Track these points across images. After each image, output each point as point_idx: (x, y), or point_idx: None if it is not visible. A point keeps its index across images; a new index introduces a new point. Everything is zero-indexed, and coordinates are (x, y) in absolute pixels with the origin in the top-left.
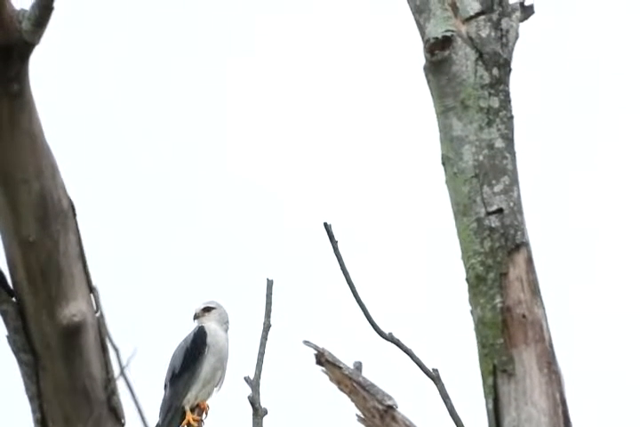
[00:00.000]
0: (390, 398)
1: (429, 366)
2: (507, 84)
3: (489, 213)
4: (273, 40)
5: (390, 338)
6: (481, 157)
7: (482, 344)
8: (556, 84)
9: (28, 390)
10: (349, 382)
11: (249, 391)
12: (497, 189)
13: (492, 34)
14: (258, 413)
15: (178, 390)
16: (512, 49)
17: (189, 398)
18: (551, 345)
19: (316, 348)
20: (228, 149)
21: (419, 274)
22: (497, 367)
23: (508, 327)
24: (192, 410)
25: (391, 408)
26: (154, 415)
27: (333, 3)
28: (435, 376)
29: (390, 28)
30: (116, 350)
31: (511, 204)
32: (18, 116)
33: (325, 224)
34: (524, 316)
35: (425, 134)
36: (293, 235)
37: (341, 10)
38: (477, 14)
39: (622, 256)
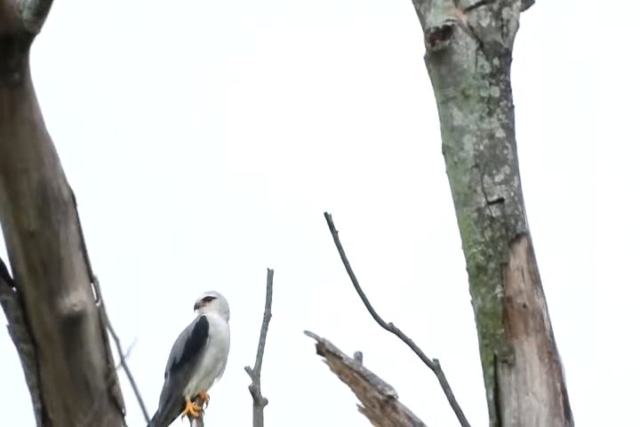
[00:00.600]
0: (391, 388)
1: (430, 356)
2: (507, 73)
3: (489, 203)
4: (272, 33)
5: (391, 328)
6: (481, 147)
7: (482, 334)
8: (557, 73)
9: (28, 380)
10: (350, 372)
11: (249, 381)
12: (497, 178)
13: (493, 23)
14: (258, 403)
15: (178, 380)
16: (513, 39)
17: (190, 388)
18: (552, 335)
19: (316, 338)
20: (228, 138)
21: (419, 264)
22: (497, 357)
23: (509, 317)
24: (192, 400)
25: (392, 398)
26: (154, 405)
27: None
28: (435, 366)
29: (391, 17)
30: (117, 339)
31: (512, 193)
32: (18, 106)
33: (326, 214)
34: (524, 306)
35: (425, 124)
36: (294, 225)
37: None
38: (478, 4)
39: (623, 245)
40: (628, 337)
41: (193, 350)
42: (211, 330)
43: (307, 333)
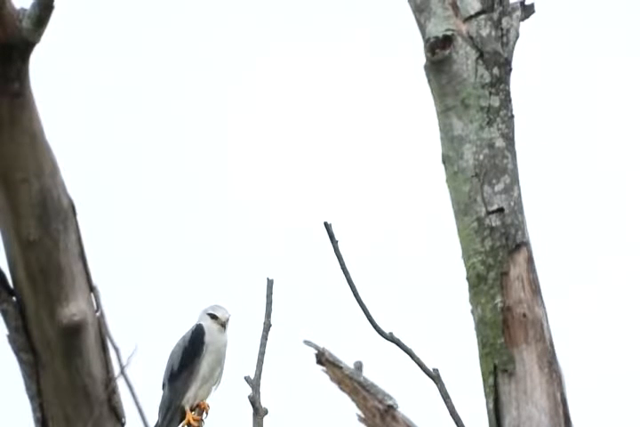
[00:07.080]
0: (391, 397)
1: (430, 366)
2: (507, 83)
3: (489, 213)
4: (272, 46)
5: (391, 338)
6: (481, 157)
7: (482, 344)
8: (557, 83)
9: (28, 389)
10: (350, 381)
11: (249, 391)
12: (497, 188)
13: (493, 33)
14: (258, 412)
15: (177, 390)
16: (512, 48)
17: (189, 398)
18: (552, 344)
19: (316, 348)
20: (227, 147)
21: (419, 273)
22: (497, 367)
23: (509, 327)
24: (192, 410)
25: (391, 408)
26: (154, 415)
27: (334, 1)
28: (435, 376)
29: (391, 26)
30: (117, 349)
31: (512, 203)
32: (18, 115)
33: (326, 224)
34: (524, 315)
35: (425, 133)
36: (294, 234)
37: (342, 9)
38: (478, 13)
39: (625, 254)
40: (627, 345)
41: (189, 358)
42: (207, 338)
43: (307, 342)
